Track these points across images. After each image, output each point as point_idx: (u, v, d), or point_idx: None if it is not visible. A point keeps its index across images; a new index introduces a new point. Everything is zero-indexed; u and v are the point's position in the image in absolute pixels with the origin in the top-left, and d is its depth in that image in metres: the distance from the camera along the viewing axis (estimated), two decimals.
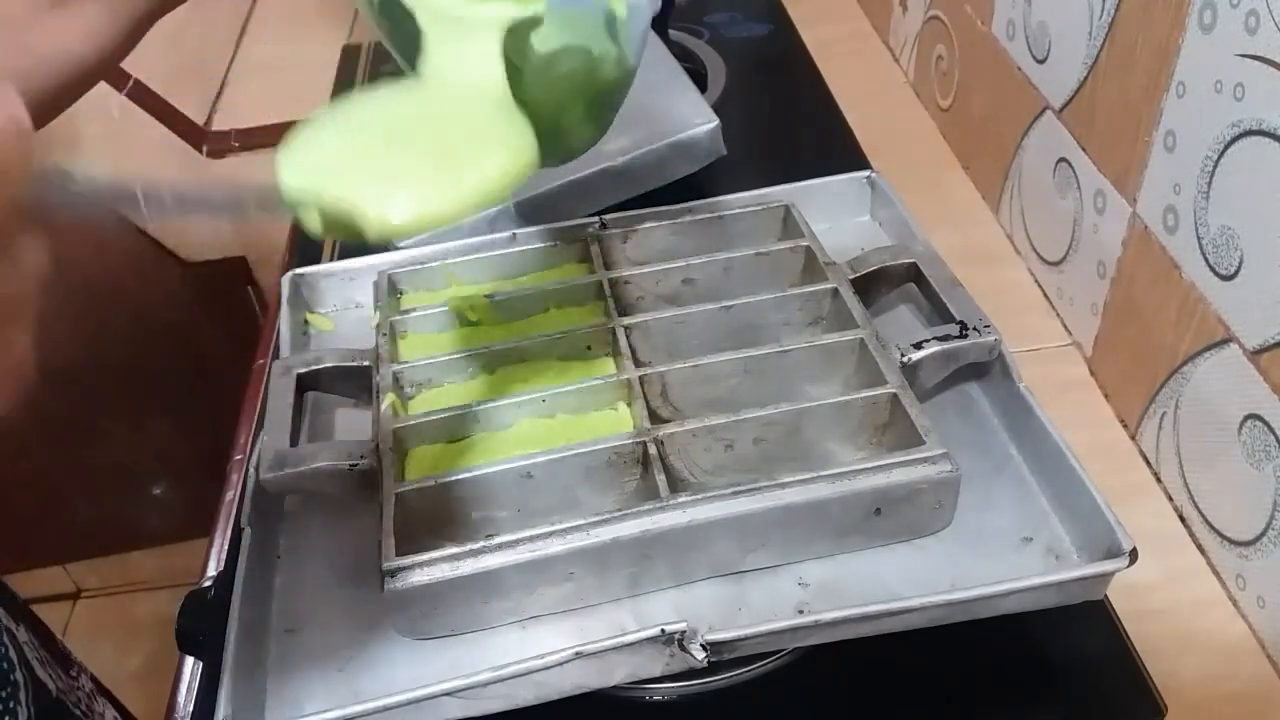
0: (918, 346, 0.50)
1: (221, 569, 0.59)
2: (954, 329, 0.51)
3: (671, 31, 0.91)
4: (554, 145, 0.40)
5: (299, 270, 0.62)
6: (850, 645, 0.43)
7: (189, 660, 0.58)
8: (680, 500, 0.44)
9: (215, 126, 1.04)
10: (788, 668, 0.48)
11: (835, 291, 0.54)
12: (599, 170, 0.67)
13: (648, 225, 0.60)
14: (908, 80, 0.95)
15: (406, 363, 0.53)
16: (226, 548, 0.63)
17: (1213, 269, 0.52)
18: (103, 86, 0.94)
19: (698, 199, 0.62)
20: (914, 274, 0.56)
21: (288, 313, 0.59)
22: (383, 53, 0.97)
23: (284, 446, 0.49)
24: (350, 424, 0.56)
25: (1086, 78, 0.63)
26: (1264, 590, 0.51)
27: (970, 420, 0.53)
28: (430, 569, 0.43)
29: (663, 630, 0.41)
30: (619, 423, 0.50)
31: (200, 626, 0.52)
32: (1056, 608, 0.43)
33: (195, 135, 1.02)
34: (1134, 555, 0.42)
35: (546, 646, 0.41)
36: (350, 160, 0.34)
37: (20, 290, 0.25)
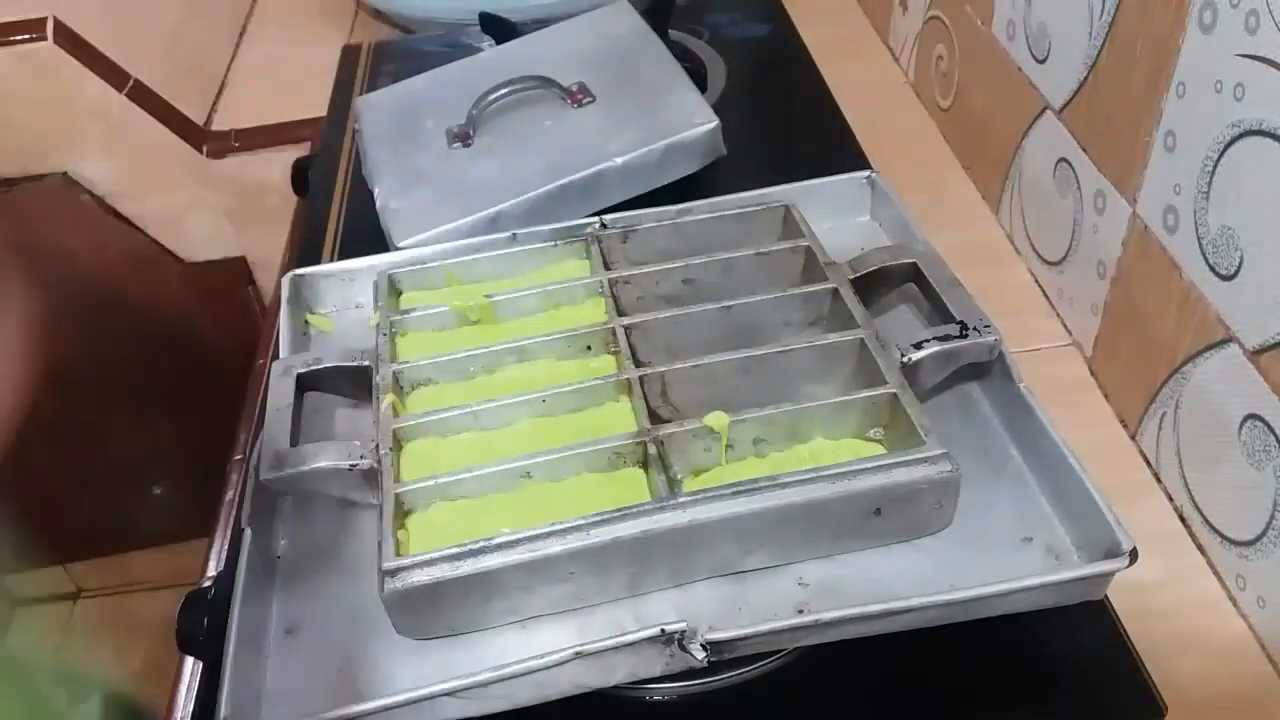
0: (918, 346, 0.50)
1: (221, 569, 0.59)
2: (954, 329, 0.51)
3: (671, 31, 0.91)
4: None
5: (299, 270, 0.62)
6: (850, 645, 0.43)
7: (189, 660, 0.58)
8: (680, 500, 0.44)
9: (215, 126, 1.04)
10: (788, 668, 0.48)
11: (835, 291, 0.54)
12: (599, 170, 0.67)
13: (648, 225, 0.60)
14: (908, 80, 0.95)
15: (406, 362, 0.53)
16: (226, 548, 0.63)
17: (1213, 269, 0.52)
18: (103, 86, 0.94)
19: (698, 199, 0.61)
20: (914, 274, 0.56)
21: (288, 313, 0.59)
22: (383, 53, 0.97)
23: (284, 446, 0.49)
24: (350, 424, 0.56)
25: (1086, 78, 0.63)
26: (1264, 590, 0.51)
27: (970, 420, 0.53)
28: (430, 569, 0.43)
29: (663, 630, 0.41)
30: (619, 422, 0.50)
31: (200, 626, 0.52)
32: (1056, 608, 0.43)
33: (195, 135, 1.02)
34: (1134, 555, 0.42)
35: (546, 646, 0.41)
36: None
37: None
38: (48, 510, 1.30)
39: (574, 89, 0.74)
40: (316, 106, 0.92)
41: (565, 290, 0.57)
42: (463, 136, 0.73)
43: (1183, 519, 0.58)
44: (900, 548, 0.47)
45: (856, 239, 0.62)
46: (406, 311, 0.57)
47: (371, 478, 0.48)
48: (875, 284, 0.56)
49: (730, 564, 0.46)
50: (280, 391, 0.53)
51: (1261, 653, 0.52)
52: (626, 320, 0.54)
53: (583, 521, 0.44)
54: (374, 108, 0.79)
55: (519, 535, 0.44)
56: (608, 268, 0.58)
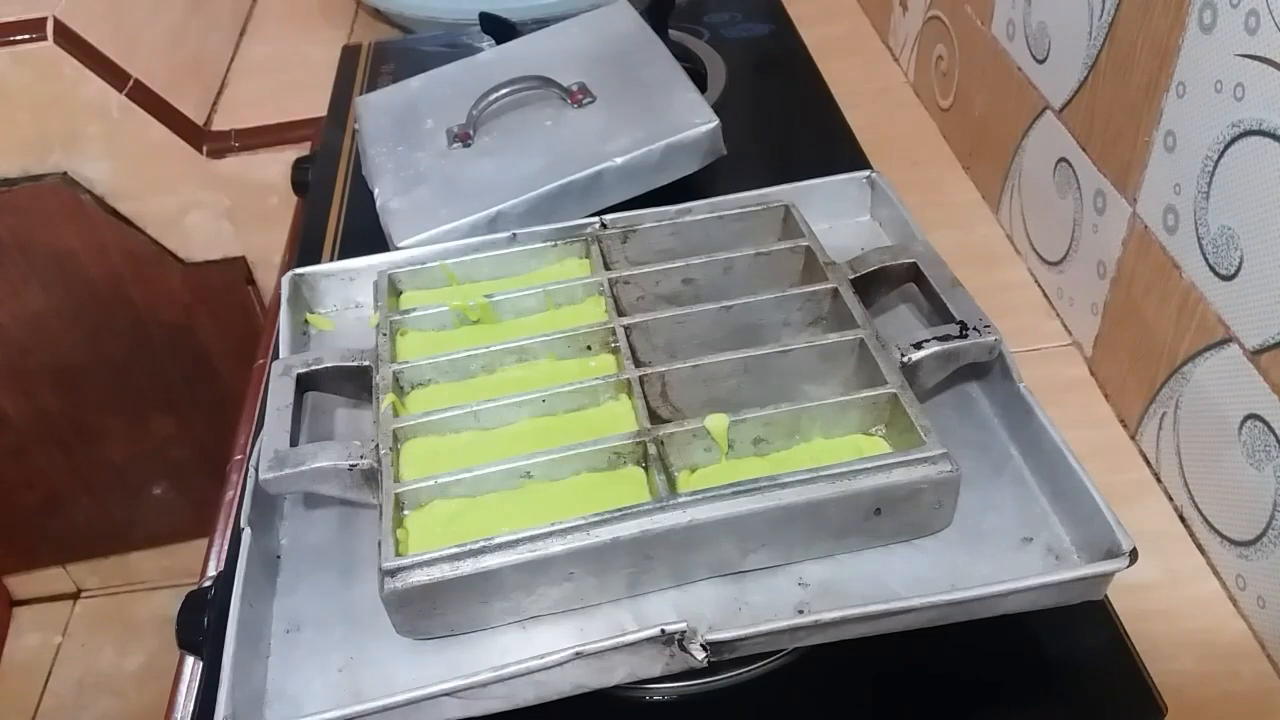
0: (918, 346, 0.50)
1: (221, 569, 0.59)
2: (954, 329, 0.51)
3: (671, 31, 0.91)
4: None
5: (299, 270, 0.62)
6: (850, 645, 0.43)
7: (189, 660, 0.58)
8: (680, 500, 0.44)
9: (215, 126, 1.04)
10: (788, 668, 0.48)
11: (835, 291, 0.54)
12: (599, 170, 0.67)
13: (648, 225, 0.60)
14: (908, 80, 0.95)
15: (406, 362, 0.53)
16: (226, 548, 0.63)
17: (1213, 269, 0.52)
18: (102, 86, 0.94)
19: (698, 199, 0.61)
20: (914, 274, 0.56)
21: (288, 313, 0.59)
22: (382, 53, 0.97)
23: (284, 446, 0.49)
24: (350, 424, 0.56)
25: (1086, 78, 0.63)
26: (1264, 590, 0.51)
27: (970, 420, 0.53)
28: (430, 569, 0.43)
29: (663, 630, 0.41)
30: (619, 422, 0.50)
31: (200, 626, 0.52)
32: (1056, 608, 0.43)
33: (195, 135, 1.02)
34: (1134, 555, 0.42)
35: (546, 646, 0.41)
36: None
37: None
38: (48, 510, 1.30)
39: (574, 89, 0.74)
40: (316, 106, 0.93)
41: (565, 290, 0.57)
42: (463, 136, 0.73)
43: (1183, 519, 0.58)
44: (900, 548, 0.47)
45: (856, 239, 0.62)
46: (406, 311, 0.57)
47: (371, 477, 0.48)
48: (875, 284, 0.56)
49: (730, 564, 0.46)
50: (280, 391, 0.53)
51: (1261, 653, 0.52)
52: (626, 320, 0.54)
53: (583, 521, 0.44)
54: (374, 108, 0.79)
55: (519, 535, 0.44)
56: (608, 268, 0.58)
